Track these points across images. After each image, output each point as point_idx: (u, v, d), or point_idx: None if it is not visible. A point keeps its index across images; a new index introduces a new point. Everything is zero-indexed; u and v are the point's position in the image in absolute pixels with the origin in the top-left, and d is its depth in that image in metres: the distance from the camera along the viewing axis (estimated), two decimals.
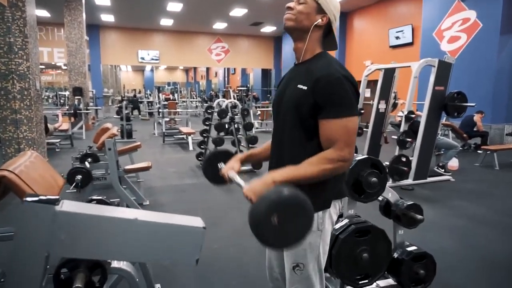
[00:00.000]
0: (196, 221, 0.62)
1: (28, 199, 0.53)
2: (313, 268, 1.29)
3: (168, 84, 34.80)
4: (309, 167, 1.17)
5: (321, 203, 1.28)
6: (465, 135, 6.94)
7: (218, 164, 1.51)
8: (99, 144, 3.95)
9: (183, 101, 18.45)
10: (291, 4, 1.29)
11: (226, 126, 5.87)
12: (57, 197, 0.58)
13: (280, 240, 1.01)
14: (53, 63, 18.10)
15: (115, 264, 1.47)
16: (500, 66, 7.88)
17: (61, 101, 19.81)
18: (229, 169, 1.38)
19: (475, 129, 7.39)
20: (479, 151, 7.07)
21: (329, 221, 1.30)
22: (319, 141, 1.22)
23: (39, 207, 0.52)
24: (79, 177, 3.11)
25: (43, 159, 1.97)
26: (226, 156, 1.54)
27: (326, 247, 1.32)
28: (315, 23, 1.25)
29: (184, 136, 8.66)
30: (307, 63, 1.29)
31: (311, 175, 1.16)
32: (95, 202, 2.18)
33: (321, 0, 1.25)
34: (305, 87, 1.21)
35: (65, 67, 21.29)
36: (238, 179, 1.31)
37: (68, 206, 0.56)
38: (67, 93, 15.69)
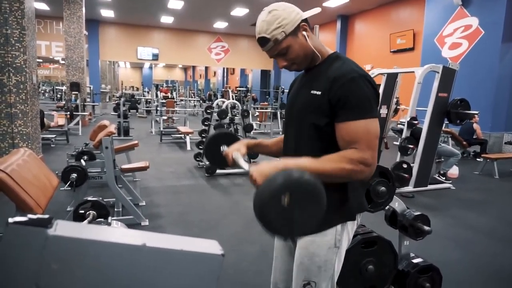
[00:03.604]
0: (213, 246, 0.53)
1: (14, 220, 0.44)
2: None
3: (166, 82, 34.61)
4: (328, 162, 1.05)
5: (344, 214, 1.18)
6: (464, 143, 6.90)
7: (221, 147, 1.43)
8: (96, 142, 3.85)
9: (181, 100, 18.34)
10: (281, 63, 1.19)
11: (225, 127, 5.79)
12: (49, 217, 0.49)
13: (285, 227, 0.89)
14: (51, 57, 17.91)
15: None
16: (501, 74, 7.86)
17: (58, 95, 19.61)
18: (235, 150, 1.27)
19: (474, 136, 7.36)
20: (478, 159, 7.04)
21: (346, 237, 1.20)
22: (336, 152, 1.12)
23: (27, 230, 0.43)
24: (74, 175, 3.03)
25: (36, 157, 1.88)
26: (231, 139, 1.44)
27: (340, 265, 1.22)
28: (308, 40, 1.15)
29: (182, 135, 8.56)
30: (319, 66, 1.20)
31: (328, 171, 1.04)
32: (90, 203, 2.09)
33: (285, 28, 1.11)
34: (319, 92, 1.12)
35: (63, 62, 21.07)
36: (242, 161, 1.21)
37: (63, 228, 0.47)
38: (64, 88, 15.53)
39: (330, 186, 1.12)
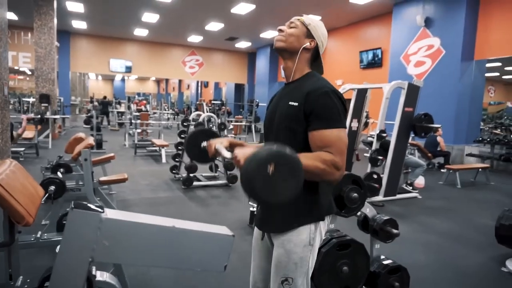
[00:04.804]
0: (225, 230, 0.66)
1: (75, 205, 0.54)
2: (302, 283, 1.31)
3: (138, 94, 34.20)
4: (304, 158, 1.13)
5: (316, 214, 1.32)
6: (429, 155, 7.31)
7: (202, 143, 1.52)
8: (75, 154, 3.83)
9: (154, 113, 18.18)
10: (282, 27, 1.39)
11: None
12: (101, 204, 0.59)
13: (267, 193, 1.01)
14: (16, 67, 17.32)
15: (99, 277, 1.45)
16: (461, 91, 8.43)
17: (25, 107, 18.95)
18: (218, 142, 1.36)
19: (438, 149, 7.81)
20: (442, 170, 7.46)
21: (319, 236, 1.33)
22: None
23: (87, 214, 0.53)
24: (52, 187, 3.01)
25: (22, 168, 1.91)
26: (210, 135, 1.56)
27: (314, 262, 1.35)
28: (304, 46, 1.35)
29: (157, 148, 8.52)
30: (297, 82, 1.37)
31: (305, 165, 1.11)
32: None
33: (310, 26, 1.36)
34: (296, 103, 1.28)
35: (30, 73, 20.39)
36: (224, 150, 1.27)
37: (112, 213, 0.58)
38: (31, 99, 15.05)
39: (303, 189, 1.27)
